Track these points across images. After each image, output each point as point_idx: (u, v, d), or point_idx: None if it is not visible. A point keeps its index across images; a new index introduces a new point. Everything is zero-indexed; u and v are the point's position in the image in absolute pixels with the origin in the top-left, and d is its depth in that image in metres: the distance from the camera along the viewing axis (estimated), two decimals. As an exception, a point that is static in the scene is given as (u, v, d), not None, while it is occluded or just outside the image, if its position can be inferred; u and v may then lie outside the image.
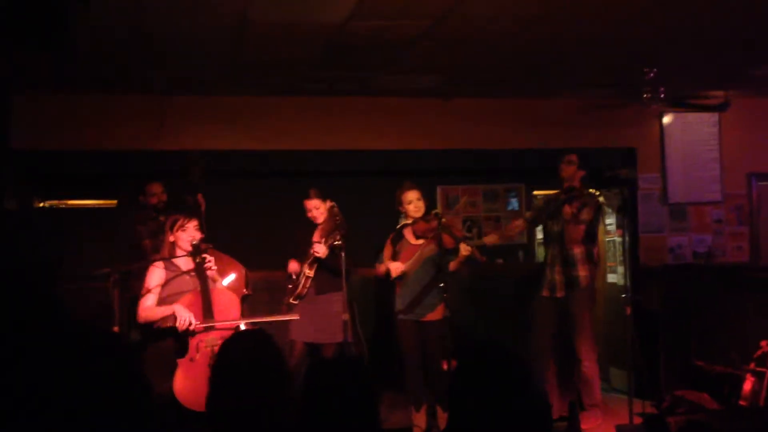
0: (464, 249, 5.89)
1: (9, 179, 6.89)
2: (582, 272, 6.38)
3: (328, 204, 6.14)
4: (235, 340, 3.24)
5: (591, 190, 6.49)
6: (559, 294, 6.43)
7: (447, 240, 6.04)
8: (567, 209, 6.32)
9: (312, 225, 6.32)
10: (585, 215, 6.34)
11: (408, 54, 6.06)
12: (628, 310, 6.06)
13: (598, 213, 6.60)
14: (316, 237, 6.24)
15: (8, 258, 2.23)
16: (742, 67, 6.87)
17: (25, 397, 2.04)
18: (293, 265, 6.26)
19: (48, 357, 2.11)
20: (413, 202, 6.22)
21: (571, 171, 6.48)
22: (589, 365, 6.39)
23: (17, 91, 6.81)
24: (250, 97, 7.39)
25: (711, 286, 7.41)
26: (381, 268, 6.30)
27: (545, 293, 6.49)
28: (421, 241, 6.19)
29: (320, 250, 5.98)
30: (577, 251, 6.39)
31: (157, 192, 6.66)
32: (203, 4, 4.74)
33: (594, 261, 6.48)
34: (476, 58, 6.28)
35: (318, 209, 6.24)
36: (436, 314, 6.05)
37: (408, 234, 6.28)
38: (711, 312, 7.22)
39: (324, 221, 6.23)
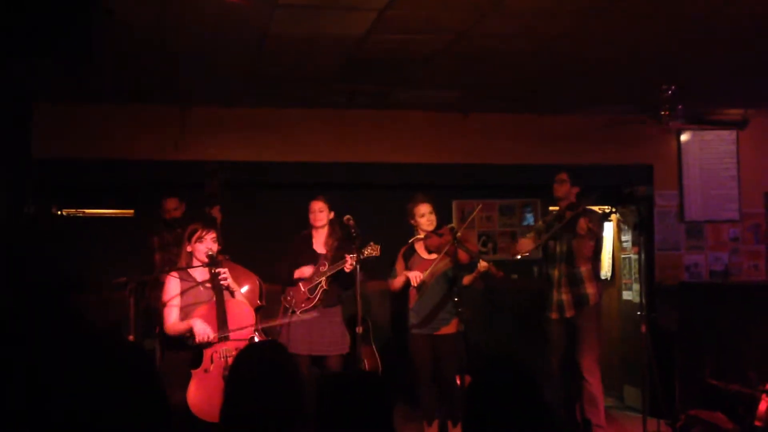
0: (481, 265, 5.79)
1: (29, 187, 6.94)
2: (590, 290, 6.26)
3: (345, 217, 5.90)
4: (249, 351, 3.25)
5: (593, 207, 6.43)
6: (569, 314, 6.27)
7: (462, 255, 5.93)
8: (583, 224, 6.12)
9: (308, 236, 6.21)
10: (596, 229, 6.27)
11: (427, 69, 6.07)
12: (644, 328, 6.03)
13: (602, 227, 6.55)
14: (319, 248, 6.15)
15: (28, 265, 2.27)
16: (761, 86, 6.85)
17: (44, 403, 2.07)
18: (307, 270, 6.03)
19: (67, 364, 2.13)
20: (425, 215, 6.12)
21: (565, 189, 6.37)
22: (594, 383, 6.22)
23: (39, 100, 6.87)
24: (269, 109, 7.42)
25: (727, 305, 7.35)
26: (397, 282, 6.15)
27: (554, 315, 6.34)
28: (433, 256, 6.05)
29: (352, 263, 5.73)
30: (584, 269, 6.28)
31: (170, 208, 6.57)
32: (226, 18, 4.78)
33: (600, 278, 6.45)
34: (495, 75, 6.29)
35: (322, 212, 6.11)
36: (449, 328, 5.99)
37: (420, 249, 6.19)
38: (727, 331, 7.15)
39: (328, 233, 6.13)
